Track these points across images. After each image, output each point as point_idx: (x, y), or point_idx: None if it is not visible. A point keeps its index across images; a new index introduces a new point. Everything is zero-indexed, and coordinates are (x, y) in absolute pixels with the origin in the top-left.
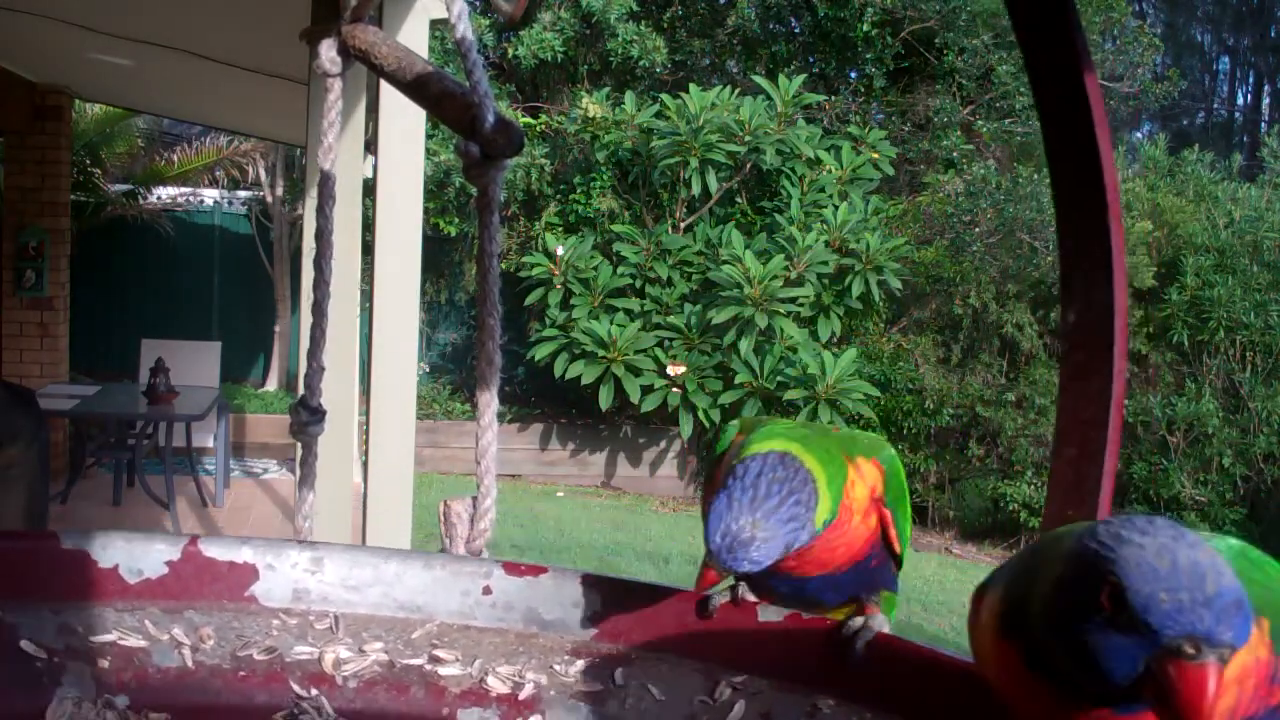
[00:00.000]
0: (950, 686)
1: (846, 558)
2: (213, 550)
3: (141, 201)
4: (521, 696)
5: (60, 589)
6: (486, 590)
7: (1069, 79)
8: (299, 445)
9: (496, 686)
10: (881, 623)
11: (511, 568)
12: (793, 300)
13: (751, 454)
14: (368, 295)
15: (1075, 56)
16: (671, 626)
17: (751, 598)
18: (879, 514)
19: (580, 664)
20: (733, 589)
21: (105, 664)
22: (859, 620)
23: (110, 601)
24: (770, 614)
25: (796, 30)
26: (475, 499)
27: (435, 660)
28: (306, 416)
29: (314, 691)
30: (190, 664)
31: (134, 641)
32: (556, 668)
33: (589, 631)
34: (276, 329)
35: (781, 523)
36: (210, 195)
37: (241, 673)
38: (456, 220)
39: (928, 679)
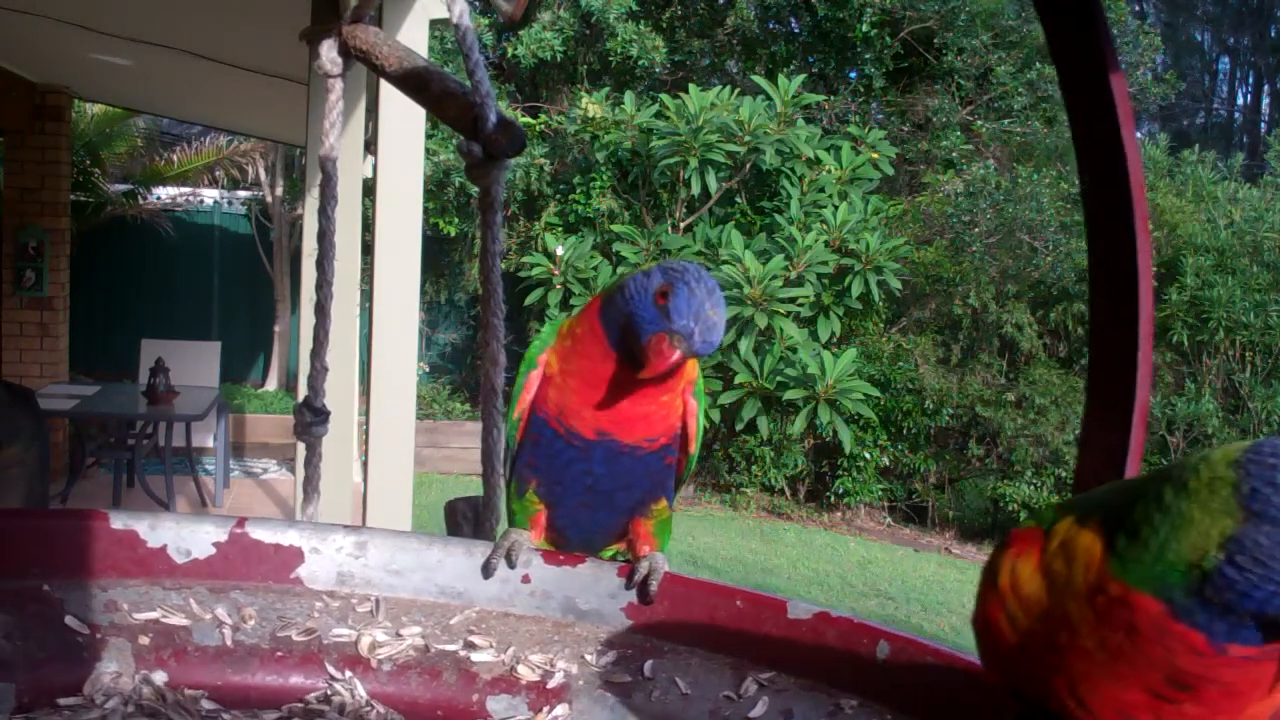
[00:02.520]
0: (967, 687)
1: (663, 429)
2: (260, 533)
3: (141, 201)
4: (550, 685)
5: (109, 567)
6: (525, 579)
7: (1095, 72)
8: (303, 446)
9: (526, 674)
10: (662, 561)
11: (550, 557)
12: (792, 300)
13: (682, 261)
14: (368, 295)
15: (1101, 55)
16: (704, 620)
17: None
18: (684, 401)
19: (612, 654)
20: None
21: (146, 641)
22: (644, 564)
23: (158, 580)
24: (800, 611)
25: (796, 30)
26: (481, 499)
27: (470, 646)
28: (310, 417)
29: (348, 674)
30: (230, 643)
31: (176, 620)
32: (588, 657)
33: (625, 623)
34: (276, 329)
35: (723, 313)
36: (210, 195)
37: (279, 653)
38: (456, 220)
39: (946, 680)
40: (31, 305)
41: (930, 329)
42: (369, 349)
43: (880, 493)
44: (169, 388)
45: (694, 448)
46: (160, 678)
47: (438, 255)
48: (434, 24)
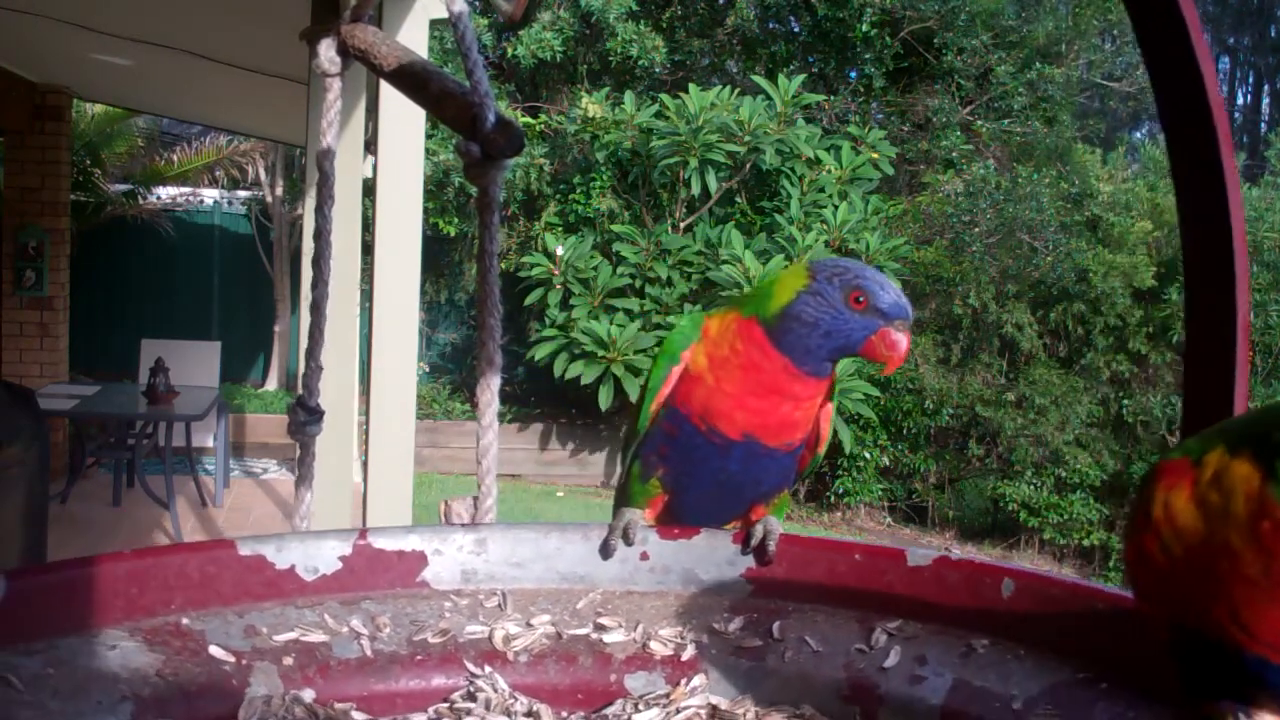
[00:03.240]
0: (1098, 619)
1: (802, 432)
2: (381, 541)
3: (141, 201)
4: (684, 657)
5: (243, 593)
6: (644, 556)
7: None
8: (297, 445)
9: (659, 650)
10: (776, 523)
11: (665, 531)
12: None
13: (829, 261)
14: (368, 295)
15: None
16: (825, 576)
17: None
18: (825, 403)
19: (739, 620)
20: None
21: (290, 661)
22: (759, 528)
23: (290, 600)
24: (919, 559)
25: (796, 30)
26: (476, 499)
27: (600, 628)
28: (304, 416)
29: (488, 669)
30: (369, 653)
31: (315, 637)
32: (716, 626)
33: (746, 588)
34: (276, 329)
35: None
36: (210, 195)
37: (418, 657)
38: (456, 220)
39: (1073, 610)
40: (31, 305)
41: (930, 329)
42: (369, 349)
43: (880, 493)
44: (169, 388)
45: (822, 448)
46: (309, 695)
47: (438, 255)
48: (434, 24)
